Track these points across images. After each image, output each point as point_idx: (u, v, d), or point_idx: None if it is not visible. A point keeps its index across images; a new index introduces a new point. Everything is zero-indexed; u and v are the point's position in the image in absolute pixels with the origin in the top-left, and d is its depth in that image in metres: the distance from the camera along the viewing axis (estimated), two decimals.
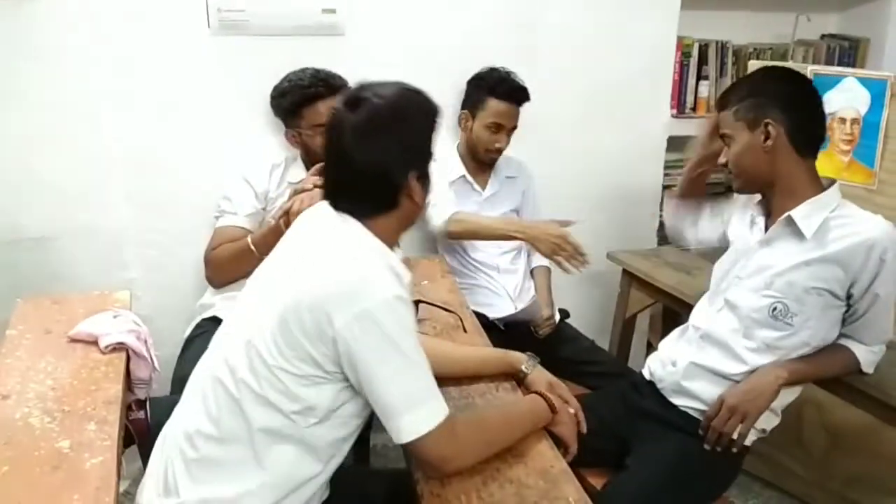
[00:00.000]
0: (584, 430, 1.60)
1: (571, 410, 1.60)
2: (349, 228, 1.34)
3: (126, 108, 2.34)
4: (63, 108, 2.29)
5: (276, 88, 2.30)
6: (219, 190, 2.31)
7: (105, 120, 2.34)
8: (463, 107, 2.50)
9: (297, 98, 2.21)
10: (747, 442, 1.80)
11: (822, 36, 3.28)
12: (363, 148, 1.31)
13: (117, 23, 2.27)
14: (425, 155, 1.37)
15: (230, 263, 2.10)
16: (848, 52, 3.20)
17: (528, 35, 2.69)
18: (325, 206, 1.39)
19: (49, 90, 2.26)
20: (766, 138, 1.71)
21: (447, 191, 2.42)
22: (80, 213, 2.38)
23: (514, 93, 2.42)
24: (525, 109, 2.67)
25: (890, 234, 1.68)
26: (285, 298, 1.28)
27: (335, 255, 1.31)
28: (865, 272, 1.68)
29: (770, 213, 1.83)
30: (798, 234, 1.73)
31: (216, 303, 2.20)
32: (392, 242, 1.39)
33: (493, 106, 2.42)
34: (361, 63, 2.33)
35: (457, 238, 2.38)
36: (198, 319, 2.23)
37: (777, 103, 1.71)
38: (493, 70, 2.47)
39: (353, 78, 2.05)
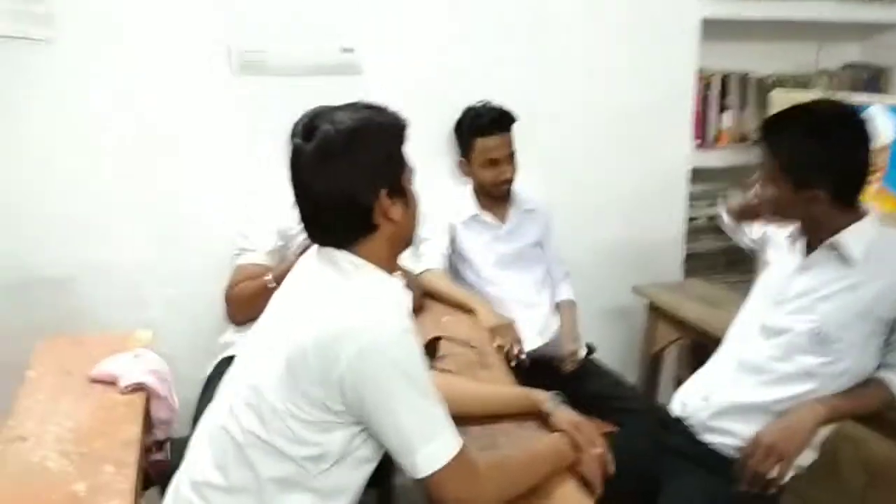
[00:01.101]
0: (612, 470, 1.54)
1: (598, 450, 1.54)
2: (343, 263, 1.30)
3: (148, 147, 2.37)
4: (85, 147, 2.32)
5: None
6: (240, 227, 2.30)
7: (128, 158, 2.36)
8: (461, 156, 2.51)
9: None
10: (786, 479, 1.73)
11: (845, 65, 3.24)
12: (320, 177, 1.26)
13: (143, 65, 2.31)
14: (392, 170, 1.31)
15: (250, 301, 2.07)
16: (871, 80, 3.16)
17: (545, 65, 2.70)
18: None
19: (72, 131, 2.29)
20: (810, 202, 1.66)
21: (441, 236, 2.43)
22: (100, 251, 2.40)
23: (494, 123, 2.43)
24: (543, 140, 2.68)
25: None
26: (289, 342, 1.25)
27: (336, 293, 1.28)
28: None
29: (809, 235, 1.79)
30: (840, 258, 1.68)
31: (236, 341, 2.18)
32: (388, 267, 1.35)
33: (480, 144, 2.43)
34: (380, 100, 2.32)
35: (426, 294, 2.37)
36: (218, 358, 2.21)
37: (829, 167, 1.63)
38: (468, 110, 2.49)
39: None
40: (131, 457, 1.51)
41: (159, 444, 1.80)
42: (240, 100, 2.40)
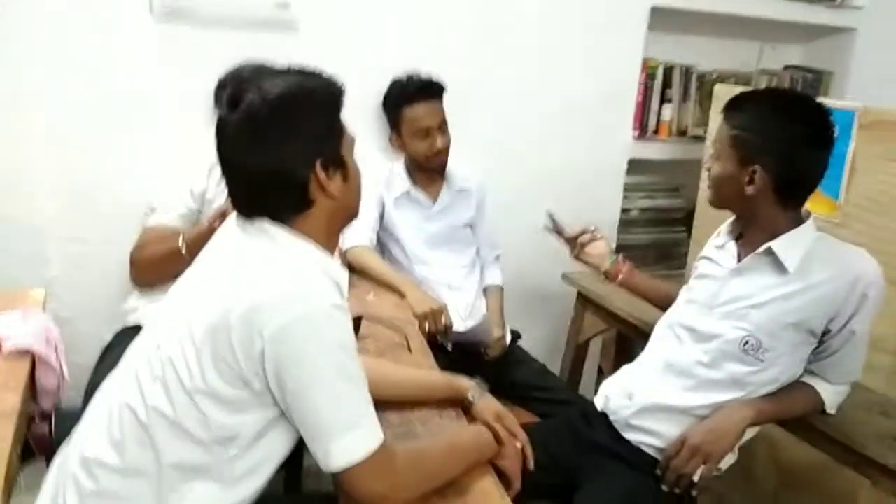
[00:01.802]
0: (531, 465, 1.48)
1: (518, 444, 1.48)
2: (275, 235, 1.20)
3: (56, 92, 2.17)
4: None
5: None
6: (153, 187, 2.15)
7: (33, 104, 2.17)
8: (391, 130, 2.42)
9: None
10: (696, 477, 1.69)
11: (786, 67, 3.26)
12: (248, 152, 1.17)
13: (51, 5, 2.10)
14: (328, 140, 1.22)
15: (158, 264, 1.94)
16: (811, 83, 3.18)
17: (492, 48, 2.61)
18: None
19: None
20: (750, 182, 1.62)
21: (371, 210, 2.34)
22: (1, 202, 2.20)
23: (423, 90, 2.33)
24: (482, 120, 2.61)
25: (874, 268, 1.60)
26: (210, 311, 1.14)
27: (265, 263, 1.17)
28: (847, 306, 1.59)
29: (741, 238, 1.75)
30: (776, 265, 1.65)
31: (139, 308, 2.03)
32: (328, 245, 1.26)
33: (409, 113, 2.33)
34: (316, 60, 2.18)
35: (351, 270, 2.26)
36: (119, 326, 2.06)
37: (777, 149, 1.59)
38: (394, 82, 2.39)
39: None
40: (7, 429, 1.37)
41: (44, 415, 1.65)
42: (161, 50, 2.23)
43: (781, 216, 1.65)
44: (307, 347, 1.11)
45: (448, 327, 2.17)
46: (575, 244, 2.12)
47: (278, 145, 1.16)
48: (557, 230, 2.16)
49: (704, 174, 2.57)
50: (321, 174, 1.19)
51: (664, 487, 1.66)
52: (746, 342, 1.65)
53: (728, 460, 1.72)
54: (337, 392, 1.13)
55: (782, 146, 1.59)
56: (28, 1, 2.09)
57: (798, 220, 1.67)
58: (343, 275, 1.25)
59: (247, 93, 1.16)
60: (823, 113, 1.62)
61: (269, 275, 1.15)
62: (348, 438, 1.13)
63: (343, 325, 1.15)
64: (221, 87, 1.20)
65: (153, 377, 1.17)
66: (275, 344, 1.10)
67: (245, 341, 1.11)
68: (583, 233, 2.12)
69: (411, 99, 2.32)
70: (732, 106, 1.67)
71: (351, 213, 1.31)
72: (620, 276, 2.06)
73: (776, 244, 1.64)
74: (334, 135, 1.23)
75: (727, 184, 1.67)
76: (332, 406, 1.13)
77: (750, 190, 1.62)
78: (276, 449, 1.22)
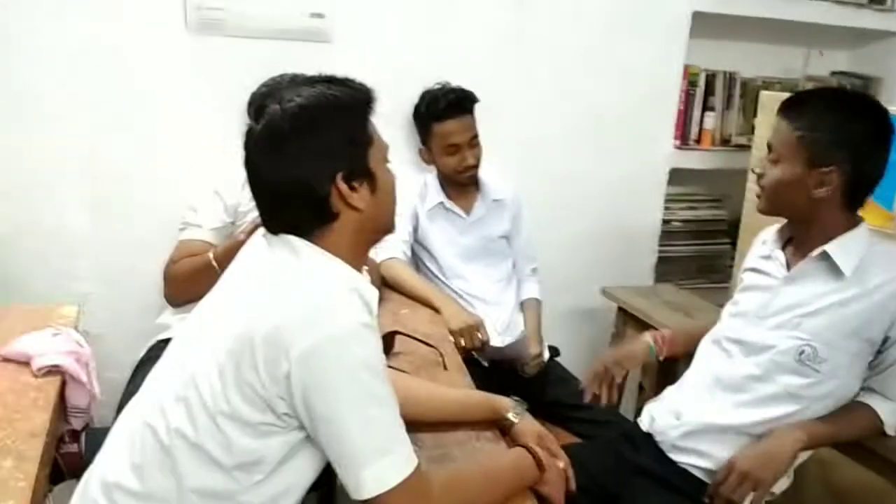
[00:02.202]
0: (574, 488, 1.42)
1: (561, 465, 1.42)
2: (301, 251, 1.16)
3: (91, 106, 2.18)
4: (21, 101, 2.13)
5: None
6: (186, 200, 2.12)
7: (68, 117, 2.18)
8: (421, 143, 2.38)
9: None
10: None
11: (833, 73, 3.16)
12: (268, 163, 1.14)
13: (83, 12, 2.11)
14: (351, 150, 1.17)
15: (190, 280, 1.91)
16: (860, 89, 3.06)
17: (525, 52, 2.57)
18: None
19: (6, 81, 2.10)
20: (821, 185, 1.54)
21: (405, 222, 2.30)
22: (34, 215, 2.21)
23: (453, 106, 2.28)
24: (519, 131, 2.56)
25: None
26: (234, 330, 1.10)
27: (291, 280, 1.13)
28: None
29: (789, 244, 1.68)
30: (831, 270, 1.57)
31: (173, 324, 2.01)
32: (355, 261, 1.20)
33: (439, 129, 2.29)
34: (349, 71, 2.16)
35: (385, 285, 2.23)
36: (152, 342, 2.03)
37: (849, 150, 1.52)
38: (425, 93, 2.35)
39: None
40: (35, 450, 1.34)
41: (75, 434, 1.63)
42: (195, 62, 2.23)
43: (841, 219, 1.58)
44: (336, 369, 1.06)
45: (485, 343, 2.11)
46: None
47: (296, 158, 1.13)
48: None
49: (750, 182, 2.51)
50: (342, 186, 1.14)
51: None
52: (802, 352, 1.57)
53: (782, 484, 1.64)
54: (368, 416, 1.08)
55: (854, 144, 1.52)
56: (65, 17, 2.10)
57: (852, 223, 1.59)
58: (372, 292, 1.20)
59: (268, 105, 1.14)
60: (884, 109, 1.56)
61: (294, 293, 1.11)
62: (380, 465, 1.08)
63: (372, 345, 1.10)
64: (253, 99, 1.17)
65: (176, 397, 1.13)
66: (302, 366, 1.05)
67: (270, 363, 1.06)
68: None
69: (441, 115, 2.28)
70: (793, 106, 1.60)
71: (382, 226, 1.26)
72: (665, 353, 1.91)
73: (831, 248, 1.56)
74: (360, 144, 1.18)
75: (792, 188, 1.57)
76: (363, 431, 1.08)
77: (821, 192, 1.54)
78: (302, 474, 1.17)
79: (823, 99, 1.60)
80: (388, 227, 1.28)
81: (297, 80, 1.19)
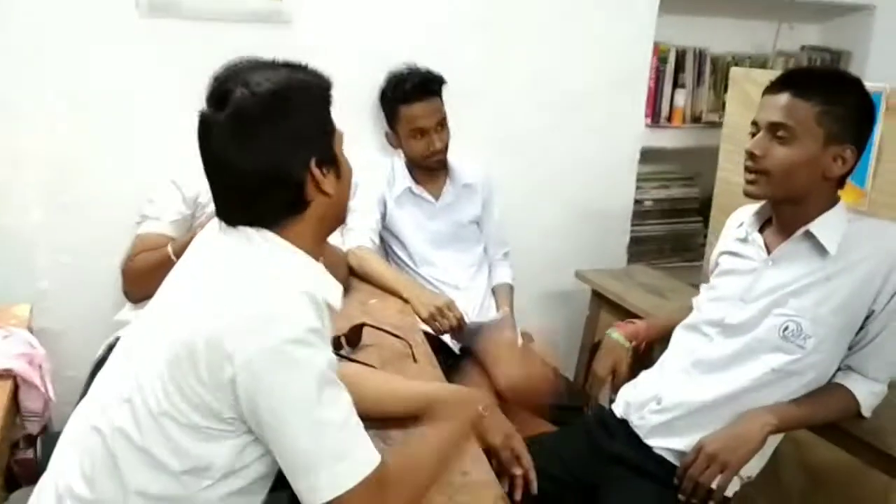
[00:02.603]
0: (534, 491, 1.42)
1: (518, 472, 1.42)
2: (259, 246, 1.11)
3: (40, 97, 2.09)
4: None
5: None
6: (144, 191, 2.05)
7: (15, 110, 2.09)
8: (388, 127, 2.31)
9: None
10: (729, 492, 1.59)
11: (803, 47, 3.14)
12: (239, 152, 1.08)
13: (31, 2, 2.01)
14: (321, 135, 1.14)
15: (148, 275, 1.83)
16: (829, 64, 3.06)
17: (495, 36, 2.51)
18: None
19: None
20: (836, 162, 1.51)
21: (373, 209, 2.25)
22: None
23: (419, 88, 2.22)
24: (492, 114, 2.52)
25: None
26: (178, 332, 1.05)
27: (239, 281, 1.08)
28: (889, 284, 1.51)
29: (767, 226, 1.66)
30: (815, 250, 1.56)
31: (132, 320, 1.92)
32: (315, 250, 1.16)
33: (405, 112, 2.23)
34: (309, 56, 2.09)
35: (353, 274, 2.18)
36: (111, 339, 1.96)
37: (861, 126, 1.52)
38: (391, 76, 2.28)
39: None
40: None
41: (31, 439, 1.56)
42: (148, 46, 2.14)
43: (829, 199, 1.57)
44: (282, 376, 1.01)
45: (461, 320, 2.06)
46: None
47: (272, 145, 1.07)
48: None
49: (724, 162, 2.49)
50: (316, 172, 1.11)
51: (680, 497, 1.56)
52: (787, 328, 1.55)
53: (756, 466, 1.63)
54: (318, 421, 1.03)
55: (865, 124, 1.53)
56: (7, 5, 2.00)
57: (832, 202, 1.58)
58: (331, 290, 1.15)
59: (233, 90, 1.07)
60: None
61: (241, 295, 1.05)
62: (336, 470, 1.04)
63: (320, 350, 1.06)
64: (210, 84, 1.11)
65: (121, 400, 1.08)
66: (247, 372, 1.00)
67: (212, 369, 1.02)
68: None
69: (408, 98, 2.21)
70: (804, 82, 1.54)
71: (341, 214, 1.23)
72: (644, 344, 1.91)
73: (815, 227, 1.55)
74: (326, 129, 1.15)
75: (805, 167, 1.52)
76: (314, 437, 1.03)
77: (836, 170, 1.52)
78: (257, 477, 1.12)
79: (834, 77, 1.59)
80: (344, 216, 1.25)
81: (251, 65, 1.13)
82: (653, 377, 1.75)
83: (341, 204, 1.20)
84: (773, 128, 1.53)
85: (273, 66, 1.13)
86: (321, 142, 1.13)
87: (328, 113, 1.16)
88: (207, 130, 1.11)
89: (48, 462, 1.19)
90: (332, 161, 1.14)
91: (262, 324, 1.02)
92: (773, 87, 1.56)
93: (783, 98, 1.53)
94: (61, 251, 2.19)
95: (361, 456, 1.06)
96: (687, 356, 1.68)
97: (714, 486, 1.53)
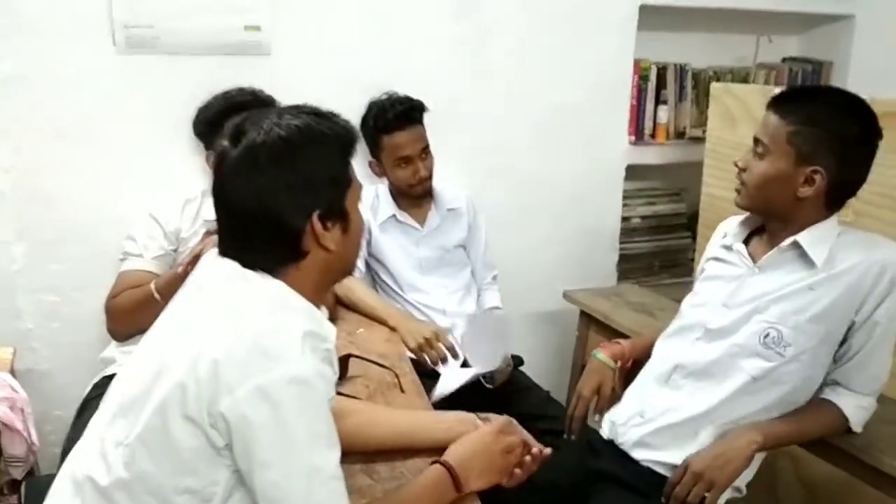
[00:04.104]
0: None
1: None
2: (255, 284, 1.10)
3: (17, 133, 2.07)
4: None
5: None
6: (126, 227, 2.03)
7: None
8: (371, 155, 2.30)
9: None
10: (721, 502, 1.58)
11: (784, 59, 3.15)
12: (243, 189, 1.08)
13: (5, 37, 2.00)
14: (330, 189, 1.13)
15: (132, 313, 1.84)
16: (811, 75, 3.07)
17: (475, 57, 2.50)
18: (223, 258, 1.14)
19: None
20: (806, 183, 1.52)
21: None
22: None
23: (401, 118, 2.21)
24: (469, 135, 2.51)
25: None
26: (176, 370, 1.03)
27: (243, 315, 1.06)
28: (872, 296, 1.51)
29: (753, 236, 1.67)
30: (800, 260, 1.56)
31: (118, 357, 1.92)
32: (315, 298, 1.15)
33: (388, 142, 2.22)
34: (291, 84, 2.12)
35: (340, 303, 2.17)
36: (97, 378, 1.95)
37: (839, 152, 1.50)
38: (371, 105, 2.27)
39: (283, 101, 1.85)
40: None
41: (14, 485, 1.54)
42: (126, 82, 2.12)
43: (818, 217, 1.56)
44: (270, 419, 1.00)
45: (451, 348, 2.04)
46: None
47: (274, 190, 1.08)
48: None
49: (708, 177, 2.49)
50: (317, 226, 1.10)
51: None
52: (767, 335, 1.56)
53: (745, 478, 1.62)
54: (314, 467, 1.03)
55: (844, 146, 1.50)
56: None
57: (824, 216, 1.58)
58: (330, 332, 1.15)
59: (249, 129, 1.09)
60: (873, 112, 1.54)
61: (244, 331, 1.04)
62: None
63: (314, 394, 1.04)
64: (228, 120, 1.16)
65: (116, 444, 1.06)
66: (236, 411, 1.00)
67: (209, 398, 1.00)
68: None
69: (390, 128, 2.21)
70: (786, 101, 1.56)
71: (347, 268, 1.23)
72: (630, 363, 1.89)
73: (803, 238, 1.55)
74: (339, 183, 1.14)
75: (777, 184, 1.54)
76: (309, 482, 1.03)
77: (805, 192, 1.52)
78: None
79: (820, 97, 1.58)
80: (350, 269, 1.25)
81: (283, 109, 1.15)
82: (635, 393, 1.75)
83: (346, 259, 1.19)
84: (755, 143, 1.58)
85: (298, 112, 1.13)
86: (330, 194, 1.12)
87: (345, 165, 1.15)
88: (220, 163, 1.12)
89: None
90: (339, 215, 1.13)
91: (267, 361, 1.01)
92: (768, 104, 1.59)
93: (768, 115, 1.57)
94: (43, 290, 2.17)
95: None
96: (669, 362, 1.69)
97: None
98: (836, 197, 1.55)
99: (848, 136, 1.50)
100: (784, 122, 1.53)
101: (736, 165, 1.62)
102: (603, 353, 1.86)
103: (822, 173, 1.50)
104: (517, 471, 1.35)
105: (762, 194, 1.58)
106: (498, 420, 1.41)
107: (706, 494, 1.51)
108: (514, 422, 1.41)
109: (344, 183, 1.15)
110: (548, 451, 1.39)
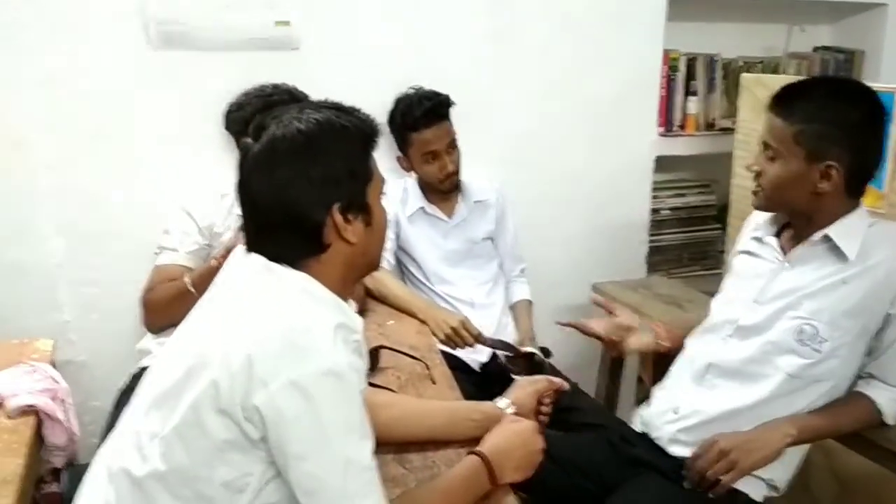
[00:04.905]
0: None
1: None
2: (282, 276, 1.11)
3: (56, 131, 2.12)
4: None
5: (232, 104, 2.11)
6: (162, 222, 2.07)
7: (33, 145, 2.11)
8: (399, 150, 2.32)
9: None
10: (758, 496, 1.59)
11: (815, 48, 3.11)
12: (263, 184, 1.10)
13: (44, 37, 2.05)
14: (352, 182, 1.14)
15: (167, 306, 1.86)
16: (843, 64, 3.02)
17: (504, 51, 2.51)
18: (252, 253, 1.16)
19: None
20: (823, 178, 1.51)
21: (388, 232, 2.23)
22: (6, 249, 2.14)
23: (428, 115, 2.22)
24: (503, 130, 2.52)
25: None
26: (209, 362, 1.05)
27: (275, 309, 1.08)
28: None
29: (784, 230, 1.66)
30: (832, 253, 1.54)
31: (154, 349, 1.95)
32: (341, 292, 1.16)
33: (416, 138, 2.23)
34: (319, 79, 2.14)
35: (370, 296, 2.19)
36: (134, 369, 1.98)
37: (848, 141, 1.49)
38: (398, 101, 2.28)
39: (312, 96, 1.87)
40: (8, 498, 1.29)
41: (56, 473, 1.58)
42: (161, 78, 2.16)
43: (843, 207, 1.55)
44: (304, 413, 1.02)
45: (477, 337, 2.07)
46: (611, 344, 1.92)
47: (291, 182, 1.09)
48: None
49: (738, 168, 2.47)
50: (338, 218, 1.11)
51: (686, 484, 1.56)
52: (802, 331, 1.54)
53: (782, 476, 1.62)
54: (348, 459, 1.04)
55: (852, 134, 1.49)
56: (24, 41, 2.04)
57: (852, 206, 1.56)
58: (358, 323, 1.16)
59: (271, 124, 1.11)
60: (874, 93, 1.53)
61: (274, 322, 1.06)
62: None
63: (347, 387, 1.05)
64: (252, 117, 1.18)
65: (151, 435, 1.08)
66: (270, 405, 1.01)
67: (244, 391, 1.02)
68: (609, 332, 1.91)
69: (417, 125, 2.22)
70: (784, 101, 1.55)
71: (372, 262, 1.23)
72: (666, 345, 1.86)
73: (834, 231, 1.54)
74: (361, 177, 1.15)
75: (794, 184, 1.54)
76: (344, 474, 1.04)
77: (824, 186, 1.51)
78: None
79: (814, 90, 1.56)
80: (376, 264, 1.26)
81: (301, 103, 1.17)
82: (666, 390, 1.75)
83: (370, 252, 1.20)
84: (765, 146, 1.58)
85: (320, 107, 1.15)
86: (351, 187, 1.13)
87: (365, 159, 1.16)
88: (243, 158, 1.14)
89: (73, 496, 1.20)
90: (361, 208, 1.14)
91: (301, 353, 1.02)
92: (768, 106, 1.58)
93: (770, 117, 1.56)
94: (82, 283, 2.22)
95: (377, 499, 1.07)
96: (701, 360, 1.68)
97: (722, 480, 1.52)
98: (856, 184, 1.54)
99: (851, 124, 1.49)
100: (787, 123, 1.52)
101: (750, 169, 1.62)
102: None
103: (837, 166, 1.49)
104: None
105: (781, 196, 1.57)
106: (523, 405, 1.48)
107: (721, 478, 1.51)
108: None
109: (365, 176, 1.15)
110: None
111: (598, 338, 1.91)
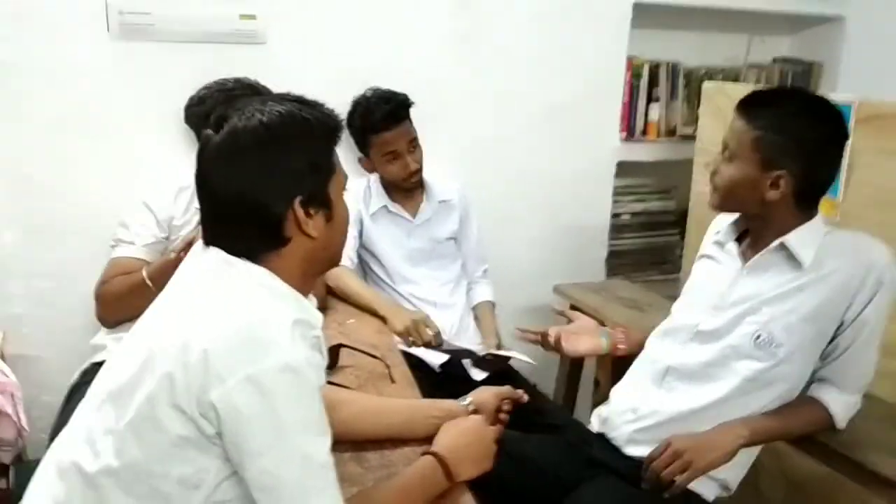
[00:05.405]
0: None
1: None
2: (242, 271, 1.10)
3: (10, 119, 2.07)
4: None
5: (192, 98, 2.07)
6: (120, 215, 2.02)
7: None
8: (359, 151, 2.32)
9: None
10: (709, 495, 1.62)
11: (775, 59, 3.17)
12: (222, 175, 1.09)
13: (1, 24, 1.99)
14: (313, 176, 1.13)
15: (122, 300, 1.83)
16: (801, 75, 3.09)
17: (470, 52, 2.52)
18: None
19: None
20: (772, 187, 1.54)
21: (350, 228, 2.22)
22: None
23: (387, 117, 2.22)
24: (468, 131, 2.52)
25: (888, 255, 1.53)
26: (166, 358, 1.03)
27: (233, 304, 1.06)
28: (861, 294, 1.52)
29: (744, 236, 1.68)
30: (789, 261, 1.57)
31: (108, 344, 1.92)
32: (301, 287, 1.15)
33: (376, 140, 2.24)
34: (285, 75, 2.10)
35: (331, 293, 2.19)
36: (86, 364, 1.94)
37: (804, 157, 1.52)
38: (356, 104, 2.27)
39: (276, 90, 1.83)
40: None
41: (4, 469, 1.54)
42: (121, 69, 2.13)
43: (795, 218, 1.58)
44: (270, 405, 1.00)
45: (436, 335, 2.08)
46: (548, 343, 1.93)
47: (254, 175, 1.08)
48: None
49: (698, 175, 2.51)
50: (299, 212, 1.10)
51: (643, 485, 1.58)
52: (759, 336, 1.57)
53: (733, 476, 1.65)
54: (287, 459, 1.03)
55: (810, 150, 1.52)
56: None
57: (808, 216, 1.59)
58: (317, 319, 1.15)
59: (232, 115, 1.10)
60: (839, 113, 1.55)
61: (235, 319, 1.04)
62: None
63: (304, 383, 1.04)
64: (213, 108, 1.15)
65: (105, 431, 1.06)
66: (226, 401, 1.00)
67: (199, 386, 1.00)
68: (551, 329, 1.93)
69: (377, 127, 2.21)
70: (752, 105, 1.57)
71: (332, 257, 1.22)
72: (623, 349, 1.90)
73: (789, 239, 1.56)
74: (323, 171, 1.14)
75: (744, 188, 1.56)
76: (292, 471, 1.03)
77: (772, 195, 1.54)
78: None
79: (783, 101, 1.58)
80: (337, 259, 1.25)
81: (263, 96, 1.17)
82: (625, 389, 1.76)
83: (331, 247, 1.19)
84: (724, 146, 1.60)
85: (282, 99, 1.14)
86: (312, 181, 1.12)
87: (328, 153, 1.15)
88: (202, 150, 1.12)
89: (22, 492, 1.17)
90: (322, 202, 1.13)
91: (258, 350, 1.01)
92: (735, 107, 1.60)
93: (735, 118, 1.59)
94: (35, 276, 2.17)
95: (333, 497, 1.07)
96: (661, 363, 1.69)
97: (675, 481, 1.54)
98: (805, 198, 1.56)
99: (811, 140, 1.51)
100: (749, 128, 1.54)
101: (707, 168, 1.65)
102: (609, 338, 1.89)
103: (787, 177, 1.52)
104: None
105: (732, 197, 1.60)
106: (484, 405, 1.48)
107: (676, 478, 1.52)
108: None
109: (327, 170, 1.14)
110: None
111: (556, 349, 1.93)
